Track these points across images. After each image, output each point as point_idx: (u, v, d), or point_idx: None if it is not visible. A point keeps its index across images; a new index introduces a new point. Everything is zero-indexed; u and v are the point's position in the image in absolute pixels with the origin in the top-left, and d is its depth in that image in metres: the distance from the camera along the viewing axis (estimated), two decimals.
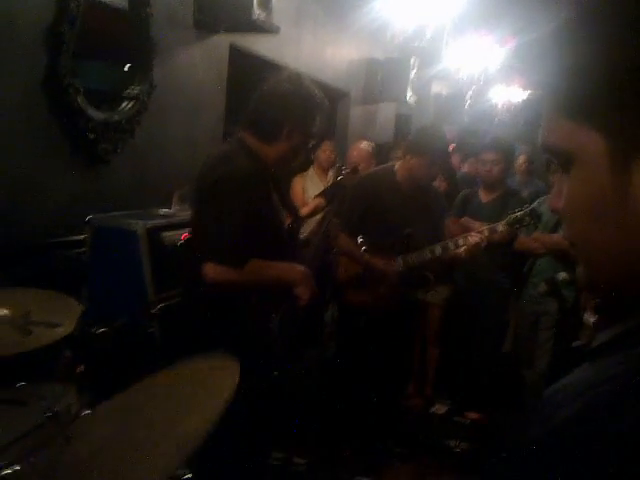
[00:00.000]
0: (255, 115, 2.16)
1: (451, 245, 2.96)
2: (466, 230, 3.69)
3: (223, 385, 1.25)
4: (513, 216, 2.96)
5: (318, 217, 3.99)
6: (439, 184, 4.12)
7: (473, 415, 3.98)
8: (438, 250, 2.96)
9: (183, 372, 1.44)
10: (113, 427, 1.19)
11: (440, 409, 4.09)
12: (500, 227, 2.96)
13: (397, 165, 3.18)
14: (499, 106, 10.80)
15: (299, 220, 2.60)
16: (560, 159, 0.60)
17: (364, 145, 4.67)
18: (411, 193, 3.06)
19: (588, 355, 0.57)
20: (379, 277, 3.01)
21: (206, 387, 1.30)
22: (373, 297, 3.05)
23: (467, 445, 3.61)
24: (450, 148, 4.64)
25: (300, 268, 2.21)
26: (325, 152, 4.64)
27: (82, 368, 1.76)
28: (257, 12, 3.54)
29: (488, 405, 3.94)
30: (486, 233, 2.95)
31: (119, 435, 1.16)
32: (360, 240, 3.00)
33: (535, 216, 3.00)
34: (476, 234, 2.94)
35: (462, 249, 2.94)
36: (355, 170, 3.25)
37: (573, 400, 0.52)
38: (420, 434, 3.71)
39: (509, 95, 10.71)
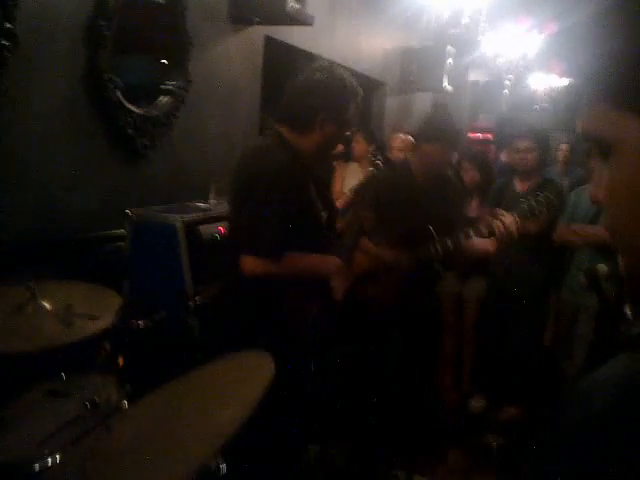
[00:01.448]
0: (288, 107, 2.15)
1: (469, 233, 2.82)
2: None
3: (258, 378, 1.27)
4: (523, 207, 2.72)
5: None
6: (472, 175, 4.04)
7: (511, 410, 3.93)
8: (450, 242, 2.85)
9: (219, 368, 1.47)
10: (151, 420, 1.21)
11: (477, 404, 4.05)
12: (510, 219, 2.68)
13: (412, 158, 3.13)
14: (539, 93, 10.58)
15: (335, 212, 2.59)
16: (600, 147, 0.59)
17: (406, 136, 4.64)
18: (427, 185, 3.00)
19: (623, 345, 0.57)
20: (389, 270, 2.98)
21: (241, 381, 1.33)
22: (383, 291, 3.02)
23: (504, 440, 3.57)
24: (489, 137, 4.56)
25: (336, 261, 2.20)
26: (359, 143, 4.62)
27: (122, 360, 1.79)
28: (291, 3, 3.53)
29: (526, 400, 3.88)
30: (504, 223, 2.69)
31: (156, 427, 1.18)
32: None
33: (553, 205, 2.77)
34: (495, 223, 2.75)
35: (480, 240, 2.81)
36: (388, 161, 3.22)
37: (608, 390, 0.52)
38: (457, 429, 3.68)
39: (549, 82, 10.47)
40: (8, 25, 2.14)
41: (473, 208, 4.07)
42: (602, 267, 3.36)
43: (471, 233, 2.77)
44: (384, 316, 3.10)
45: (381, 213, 3.04)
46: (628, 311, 2.64)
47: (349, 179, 4.53)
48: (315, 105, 2.09)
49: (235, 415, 1.15)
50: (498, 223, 2.65)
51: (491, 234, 2.72)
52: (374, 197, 3.16)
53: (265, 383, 1.25)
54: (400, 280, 2.98)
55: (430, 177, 2.99)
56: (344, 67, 2.32)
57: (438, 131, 2.89)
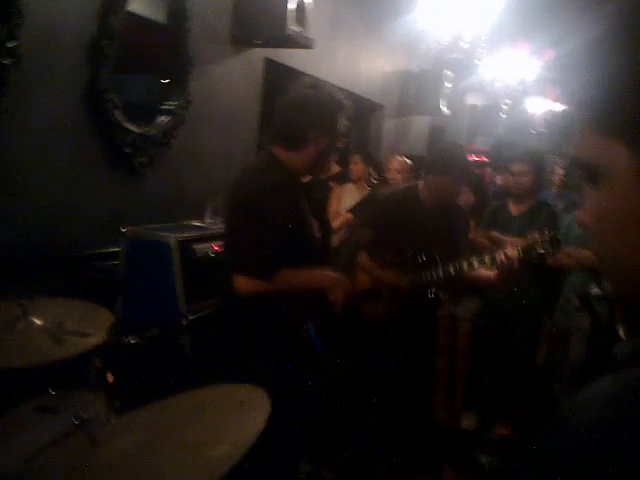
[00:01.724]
0: (280, 125, 2.18)
1: (472, 262, 2.86)
2: (494, 244, 3.65)
3: (254, 417, 1.25)
4: (529, 243, 2.71)
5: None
6: (467, 197, 4.07)
7: (503, 430, 3.92)
8: (452, 269, 2.89)
9: (213, 397, 1.45)
10: (140, 439, 1.21)
11: (470, 424, 4.04)
12: (512, 252, 2.69)
13: (421, 183, 3.16)
14: (536, 117, 10.67)
15: (330, 231, 2.61)
16: (588, 173, 0.60)
17: (403, 158, 4.68)
18: (434, 211, 3.02)
19: (610, 366, 0.57)
20: (389, 292, 3.01)
21: (237, 416, 1.31)
22: (381, 311, 3.04)
23: (497, 460, 3.56)
24: (485, 160, 4.59)
25: (333, 274, 2.21)
26: (356, 165, 4.66)
27: (112, 377, 1.79)
28: (292, 27, 3.59)
29: (519, 420, 3.87)
30: (511, 253, 2.70)
31: (145, 449, 1.18)
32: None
33: (556, 242, 2.80)
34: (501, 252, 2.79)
35: (485, 269, 2.84)
36: (384, 181, 3.24)
37: (595, 411, 0.52)
38: (449, 449, 3.67)
39: (546, 106, 10.57)
40: (11, 44, 2.18)
41: None
42: (595, 289, 3.39)
43: (475, 263, 2.79)
44: (380, 336, 3.13)
45: (382, 232, 3.06)
46: (621, 332, 2.66)
47: (345, 200, 4.56)
48: (307, 121, 2.13)
49: (229, 454, 1.14)
50: (501, 255, 2.67)
51: (493, 264, 2.74)
52: (375, 215, 3.18)
53: (261, 423, 1.24)
54: (399, 301, 3.00)
55: (437, 205, 3.01)
56: (343, 89, 2.37)
57: (449, 165, 2.90)
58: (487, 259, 2.74)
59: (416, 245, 2.95)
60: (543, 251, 2.68)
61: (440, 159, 2.98)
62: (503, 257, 2.66)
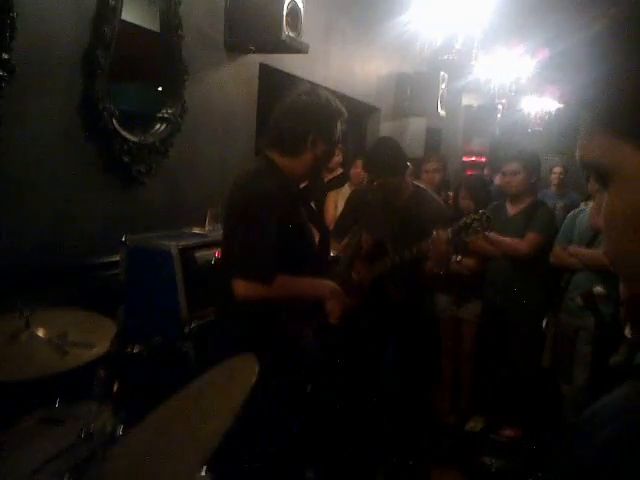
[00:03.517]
0: (278, 131, 2.18)
1: (411, 249, 2.91)
2: (492, 244, 3.67)
3: (240, 384, 1.27)
4: (460, 224, 2.81)
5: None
6: (466, 204, 4.06)
7: (509, 432, 3.91)
8: (397, 258, 2.95)
9: (208, 380, 1.48)
10: (145, 445, 1.20)
11: (475, 426, 4.03)
12: (444, 234, 2.81)
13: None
14: (532, 117, 10.69)
15: (328, 236, 2.61)
16: (598, 174, 0.59)
17: None
18: (397, 203, 3.09)
19: (628, 374, 0.56)
20: (352, 286, 3.05)
21: (224, 391, 1.33)
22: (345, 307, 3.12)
23: (503, 462, 3.55)
24: (482, 160, 4.59)
25: (329, 283, 2.22)
26: (357, 169, 4.66)
27: (117, 387, 1.78)
28: (286, 32, 3.58)
29: (524, 422, 3.86)
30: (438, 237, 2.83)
31: (150, 452, 1.18)
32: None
33: (487, 220, 2.84)
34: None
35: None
36: (370, 182, 3.35)
37: (612, 421, 0.51)
38: (455, 451, 3.65)
39: (542, 105, 10.58)
40: (5, 55, 2.17)
41: None
42: (598, 289, 3.37)
43: (414, 249, 2.89)
44: (377, 336, 3.16)
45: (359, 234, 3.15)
46: (627, 331, 2.64)
47: (341, 204, 4.55)
48: (305, 127, 2.13)
49: (216, 426, 1.16)
50: (432, 237, 2.81)
51: (425, 249, 2.88)
52: (347, 212, 3.38)
53: (247, 386, 1.26)
54: (361, 295, 3.04)
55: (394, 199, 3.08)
56: (338, 93, 2.36)
57: (378, 166, 3.04)
58: (423, 244, 2.85)
59: (377, 236, 3.10)
60: (473, 230, 2.74)
61: (371, 162, 3.08)
62: (435, 238, 2.80)
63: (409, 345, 3.22)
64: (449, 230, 2.79)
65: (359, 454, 3.16)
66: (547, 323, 3.96)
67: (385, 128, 6.73)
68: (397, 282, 3.09)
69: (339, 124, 2.23)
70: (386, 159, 3.03)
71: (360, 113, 6.31)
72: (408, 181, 3.23)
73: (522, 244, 3.63)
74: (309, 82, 2.37)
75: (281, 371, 2.04)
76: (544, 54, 7.69)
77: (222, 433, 1.12)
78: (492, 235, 3.50)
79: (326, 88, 2.31)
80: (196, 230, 2.96)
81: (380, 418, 3.17)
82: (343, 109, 2.25)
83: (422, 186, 3.34)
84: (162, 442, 1.21)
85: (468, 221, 2.77)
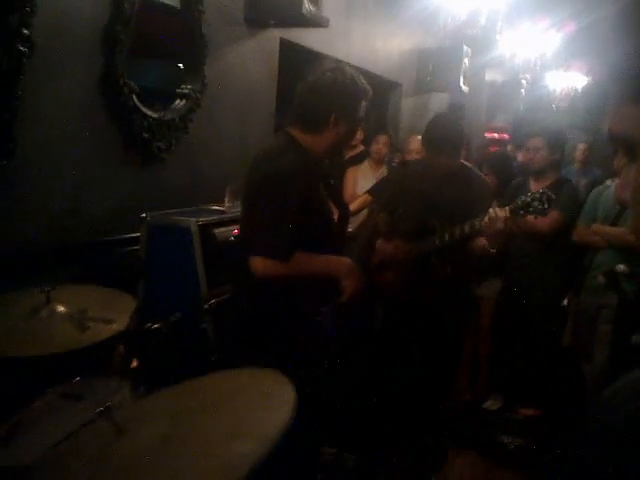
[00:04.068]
0: (301, 108, 2.16)
1: (463, 228, 2.84)
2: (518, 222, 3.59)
3: (279, 413, 1.18)
4: (519, 202, 2.69)
5: (366, 211, 4.00)
6: (490, 179, 4.00)
7: (526, 411, 3.90)
8: (447, 236, 2.88)
9: (236, 384, 1.41)
10: (162, 429, 1.19)
11: (493, 405, 4.03)
12: (502, 213, 2.68)
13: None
14: (557, 93, 10.47)
15: (347, 214, 2.59)
16: (627, 146, 0.57)
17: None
18: (443, 181, 3.00)
19: None
20: (390, 263, 3.02)
21: (261, 408, 1.26)
22: (389, 284, 3.05)
23: (520, 441, 3.55)
24: (505, 137, 4.52)
25: (346, 261, 2.21)
26: (378, 145, 4.61)
27: (136, 363, 1.80)
28: (307, 6, 3.54)
29: (542, 400, 3.85)
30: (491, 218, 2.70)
31: (167, 440, 1.15)
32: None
33: (547, 200, 2.76)
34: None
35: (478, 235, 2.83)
36: (404, 163, 3.23)
37: (632, 400, 0.51)
38: (472, 430, 3.66)
39: (568, 81, 10.36)
40: (25, 31, 2.17)
41: None
42: (621, 267, 3.32)
43: (466, 227, 2.79)
44: (397, 312, 3.13)
45: (395, 211, 3.08)
46: None
47: (361, 181, 4.52)
48: (327, 105, 2.10)
49: (252, 451, 1.06)
50: (485, 218, 2.69)
51: (483, 226, 2.74)
52: (389, 197, 3.20)
53: (287, 417, 1.16)
54: (403, 272, 2.99)
55: (443, 175, 3.00)
56: (360, 68, 2.33)
57: (440, 142, 2.91)
58: (477, 222, 2.74)
59: (421, 216, 2.99)
60: (532, 209, 2.66)
61: (431, 137, 2.98)
62: (486, 220, 2.67)
63: (446, 325, 3.18)
64: (506, 208, 2.72)
65: (379, 436, 3.18)
66: (568, 302, 3.92)
67: (407, 104, 6.65)
68: (444, 260, 3.03)
69: (363, 103, 2.19)
70: (449, 136, 2.94)
71: (381, 89, 6.23)
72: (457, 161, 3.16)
73: (544, 222, 3.57)
74: (334, 59, 2.34)
75: (296, 348, 2.05)
76: (570, 28, 7.50)
77: (260, 458, 1.03)
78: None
79: (347, 64, 2.27)
80: (215, 207, 2.96)
81: (400, 401, 3.16)
82: (368, 87, 2.21)
83: (467, 164, 3.26)
84: (181, 436, 1.16)
85: (528, 200, 2.68)
